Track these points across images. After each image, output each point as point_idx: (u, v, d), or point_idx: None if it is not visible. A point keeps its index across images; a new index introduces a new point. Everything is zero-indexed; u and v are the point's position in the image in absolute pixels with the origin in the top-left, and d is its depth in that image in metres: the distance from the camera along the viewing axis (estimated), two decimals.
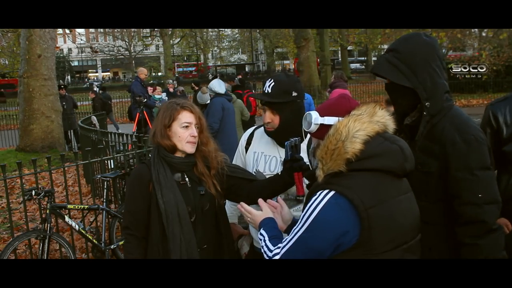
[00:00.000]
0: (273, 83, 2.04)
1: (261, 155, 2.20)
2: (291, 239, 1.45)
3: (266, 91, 2.04)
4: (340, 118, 1.53)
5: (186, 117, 1.95)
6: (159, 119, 1.99)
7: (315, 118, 1.57)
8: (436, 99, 1.79)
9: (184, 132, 1.94)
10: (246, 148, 2.27)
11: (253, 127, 2.35)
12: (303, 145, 2.10)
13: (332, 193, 1.41)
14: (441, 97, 1.81)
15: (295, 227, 1.46)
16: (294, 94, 2.06)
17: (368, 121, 1.49)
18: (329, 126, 1.53)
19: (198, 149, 2.00)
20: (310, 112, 1.60)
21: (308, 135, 2.16)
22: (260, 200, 1.77)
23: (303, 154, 2.02)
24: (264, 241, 1.56)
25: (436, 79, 1.79)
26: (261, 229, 1.63)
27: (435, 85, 1.79)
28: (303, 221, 1.43)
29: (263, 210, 1.72)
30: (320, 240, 1.39)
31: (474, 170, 1.71)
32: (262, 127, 2.28)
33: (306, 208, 1.45)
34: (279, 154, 2.14)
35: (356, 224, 1.37)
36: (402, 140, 1.53)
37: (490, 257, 1.71)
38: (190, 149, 1.96)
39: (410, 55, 1.78)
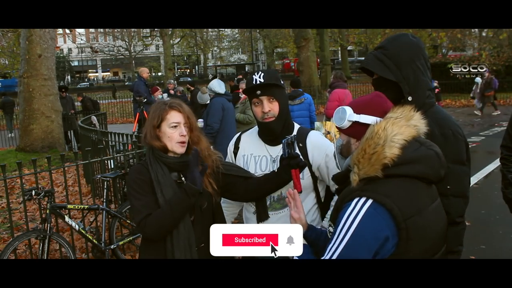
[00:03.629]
0: (263, 74, 2.07)
1: (251, 157, 2.21)
2: (331, 257, 1.36)
3: (259, 82, 2.05)
4: (376, 118, 1.48)
5: (174, 117, 1.94)
6: (148, 120, 1.99)
7: (350, 115, 1.50)
8: (418, 94, 1.86)
9: (173, 132, 1.93)
10: (235, 153, 2.28)
11: (239, 132, 2.36)
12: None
13: (370, 201, 1.35)
14: (423, 93, 1.88)
15: (333, 241, 1.37)
16: (282, 82, 2.13)
17: (406, 125, 1.44)
18: (363, 125, 1.48)
19: (190, 148, 1.99)
20: (343, 107, 1.53)
21: (296, 129, 2.18)
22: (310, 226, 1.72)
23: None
24: None
25: (420, 76, 1.88)
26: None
27: (418, 81, 1.87)
28: (342, 235, 1.35)
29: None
30: (362, 254, 1.33)
31: (448, 163, 1.77)
32: (249, 131, 2.31)
33: (344, 218, 1.36)
34: (269, 153, 2.16)
35: (395, 235, 1.33)
36: (436, 145, 1.51)
37: (447, 249, 1.75)
38: (180, 149, 1.95)
39: (396, 51, 1.88)
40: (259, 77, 2.05)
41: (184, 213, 1.89)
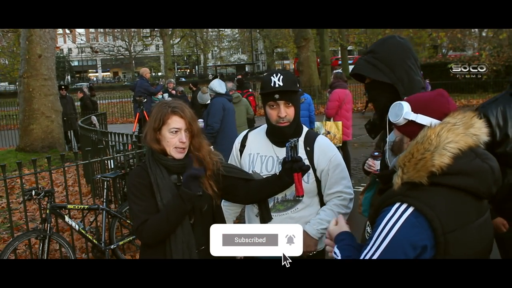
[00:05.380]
0: (282, 76, 2.05)
1: (257, 156, 2.21)
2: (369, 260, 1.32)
3: (278, 85, 2.03)
4: (434, 120, 1.39)
5: (175, 122, 1.91)
6: (150, 121, 1.97)
7: (407, 113, 1.42)
8: (413, 94, 1.86)
9: (173, 138, 1.91)
10: (241, 151, 2.27)
11: (246, 130, 2.36)
12: (300, 142, 2.13)
13: (411, 209, 1.29)
14: (417, 92, 1.88)
15: (370, 245, 1.33)
16: (298, 85, 2.15)
17: (463, 133, 1.34)
18: (419, 125, 1.40)
19: (192, 153, 1.98)
20: (401, 102, 1.45)
21: (304, 132, 2.18)
22: (340, 217, 1.62)
23: (300, 149, 2.08)
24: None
25: (413, 76, 1.89)
26: (335, 247, 1.49)
27: (412, 81, 1.88)
28: (380, 239, 1.30)
29: (338, 223, 1.56)
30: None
31: None
32: (256, 129, 2.31)
33: (383, 222, 1.31)
34: (275, 154, 2.16)
35: (433, 247, 1.28)
36: (493, 158, 1.40)
37: None
38: (177, 155, 1.93)
39: (387, 54, 1.90)
40: (278, 80, 2.04)
41: (181, 219, 1.87)
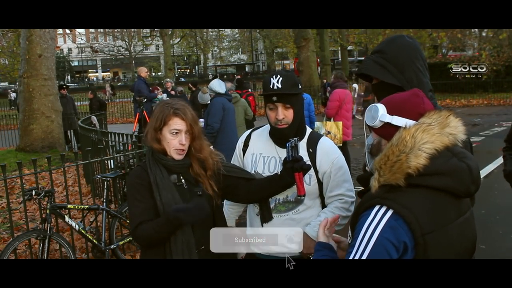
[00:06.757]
0: (281, 78, 2.03)
1: (260, 156, 2.20)
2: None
3: (276, 87, 2.02)
4: (409, 121, 1.39)
5: (176, 123, 1.92)
6: (151, 121, 1.97)
7: (382, 115, 1.42)
8: None
9: (173, 139, 1.92)
10: (244, 151, 2.27)
11: (250, 130, 2.35)
12: (303, 143, 2.12)
13: (390, 212, 1.29)
14: (426, 94, 1.87)
15: (354, 251, 1.31)
16: (300, 86, 2.10)
17: (439, 133, 1.34)
18: (395, 126, 1.39)
19: (192, 154, 1.98)
20: (376, 105, 1.44)
21: (307, 134, 2.17)
22: (321, 224, 1.60)
23: (303, 151, 2.05)
24: None
25: (421, 77, 1.86)
26: (311, 257, 1.49)
27: (421, 83, 1.84)
28: (363, 245, 1.30)
29: (319, 231, 1.56)
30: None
31: None
32: (260, 129, 2.29)
33: (364, 227, 1.31)
34: (278, 154, 2.15)
35: (413, 248, 1.28)
36: (471, 157, 1.39)
37: None
38: (177, 156, 1.94)
39: (396, 55, 1.85)
40: (277, 82, 2.02)
41: (171, 233, 1.88)
